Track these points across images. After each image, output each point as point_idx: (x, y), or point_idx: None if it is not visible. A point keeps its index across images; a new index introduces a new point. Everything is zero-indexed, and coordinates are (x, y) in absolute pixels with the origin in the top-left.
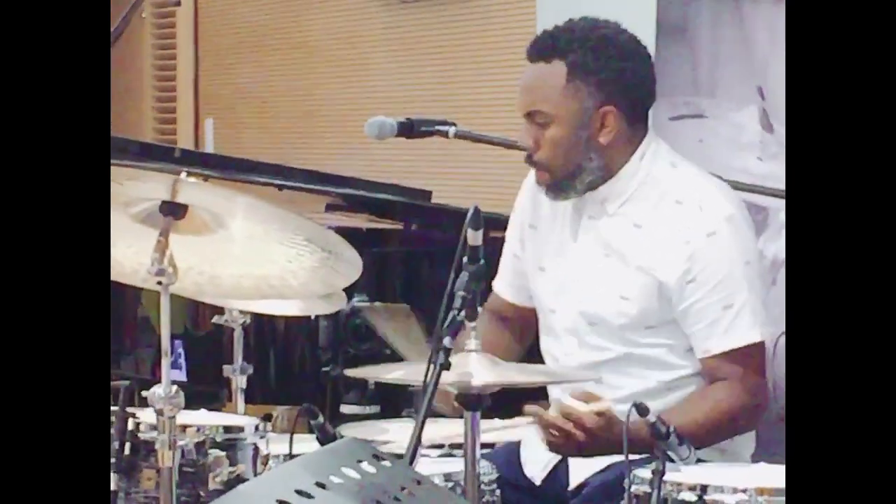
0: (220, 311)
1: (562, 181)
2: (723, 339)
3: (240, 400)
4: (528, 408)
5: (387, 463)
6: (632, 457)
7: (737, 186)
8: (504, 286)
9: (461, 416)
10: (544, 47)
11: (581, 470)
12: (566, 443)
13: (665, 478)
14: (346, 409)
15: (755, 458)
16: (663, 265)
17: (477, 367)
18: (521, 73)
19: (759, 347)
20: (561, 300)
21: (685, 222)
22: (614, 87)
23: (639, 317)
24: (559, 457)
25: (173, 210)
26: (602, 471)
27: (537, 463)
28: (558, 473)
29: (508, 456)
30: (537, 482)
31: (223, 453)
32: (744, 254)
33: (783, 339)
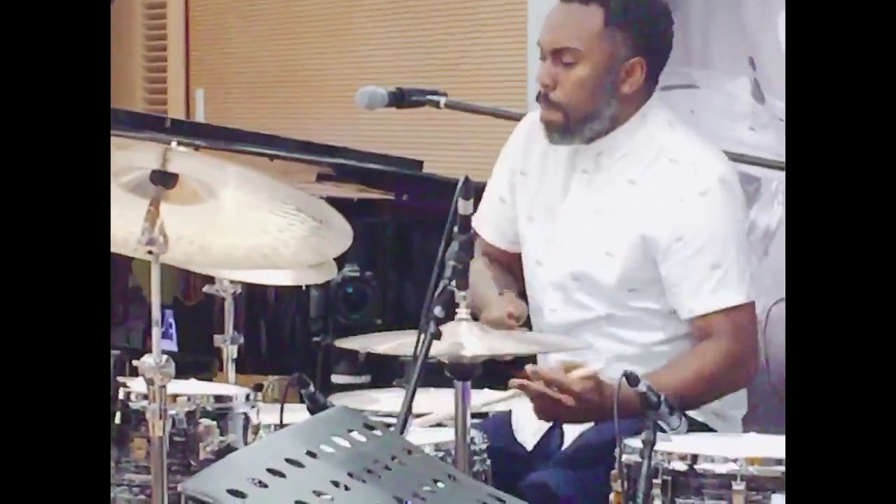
0: (210, 280)
1: (573, 123)
2: (709, 299)
3: (230, 370)
4: (513, 381)
5: (377, 432)
6: (621, 421)
7: (729, 157)
8: (490, 230)
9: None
10: None
11: (575, 433)
12: (555, 410)
13: (656, 447)
14: (336, 378)
15: (746, 422)
16: (653, 222)
17: (467, 337)
18: (512, 44)
19: (747, 308)
20: (549, 253)
21: (678, 180)
22: (646, 40)
23: (622, 275)
24: (551, 423)
25: (164, 179)
26: (591, 430)
27: (529, 429)
28: (550, 439)
29: (500, 424)
30: (529, 448)
31: (214, 423)
32: (734, 214)
33: (775, 309)
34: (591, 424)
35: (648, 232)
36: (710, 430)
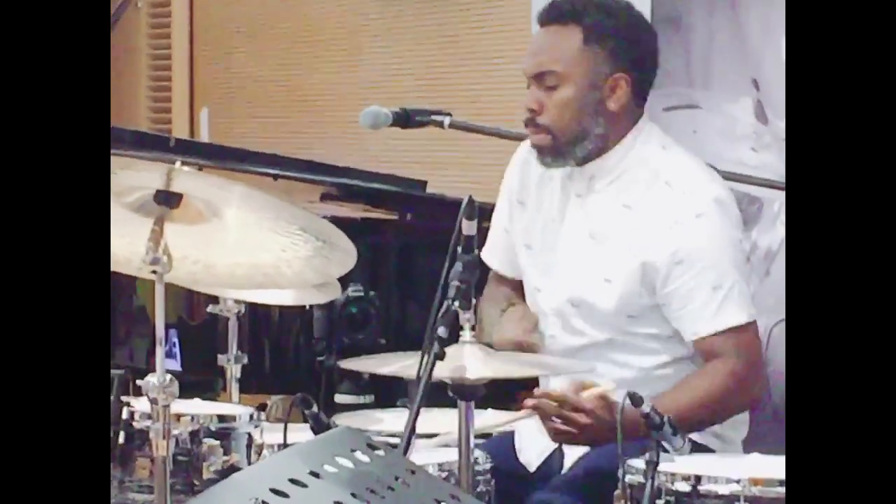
0: (214, 300)
1: (563, 145)
2: (712, 321)
3: (234, 389)
4: (527, 401)
5: (381, 452)
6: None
7: (730, 177)
8: (498, 262)
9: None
10: (560, 11)
11: (576, 455)
12: (569, 430)
13: (659, 468)
14: (340, 398)
15: (747, 445)
16: (651, 246)
17: (471, 358)
18: (517, 64)
19: (750, 328)
20: (546, 280)
21: (674, 204)
22: (628, 55)
23: (621, 302)
24: (555, 445)
25: (168, 199)
26: (592, 452)
27: (532, 451)
28: (553, 461)
29: (503, 445)
30: (532, 469)
31: (217, 442)
32: (731, 234)
33: (777, 330)
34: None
35: (647, 258)
36: (710, 451)
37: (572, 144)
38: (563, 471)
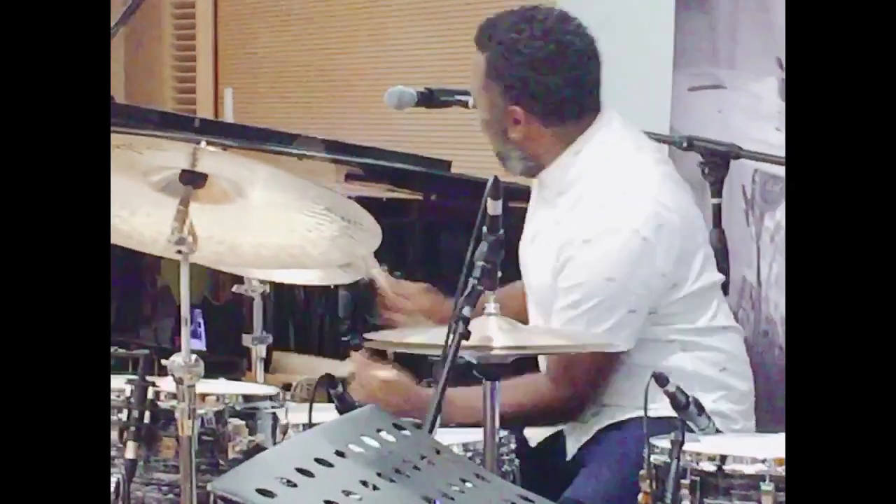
0: (239, 280)
1: (500, 158)
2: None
3: (259, 369)
4: (354, 354)
5: (406, 432)
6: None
7: (755, 157)
8: None
9: None
10: (478, 37)
11: (576, 441)
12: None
13: (684, 448)
14: None
15: (773, 424)
16: (553, 264)
17: (497, 331)
18: None
19: (589, 356)
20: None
21: (576, 223)
22: (519, 92)
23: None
24: (556, 427)
25: (193, 179)
26: (598, 444)
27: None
28: (556, 442)
29: None
30: (532, 444)
31: (243, 422)
32: (610, 270)
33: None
34: (591, 433)
35: (548, 276)
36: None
37: (503, 160)
38: (567, 458)
